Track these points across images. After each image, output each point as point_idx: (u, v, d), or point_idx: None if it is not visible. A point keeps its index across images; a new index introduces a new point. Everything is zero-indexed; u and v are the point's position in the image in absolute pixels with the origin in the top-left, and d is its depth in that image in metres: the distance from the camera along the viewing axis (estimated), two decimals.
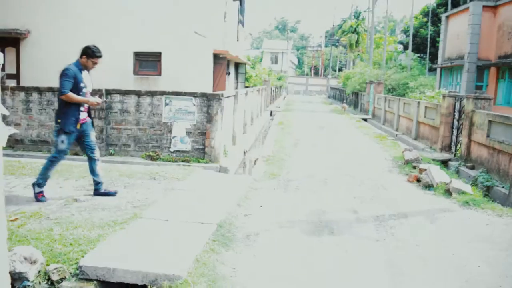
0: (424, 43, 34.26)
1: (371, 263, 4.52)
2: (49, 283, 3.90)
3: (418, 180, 8.38)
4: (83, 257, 4.04)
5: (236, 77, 22.97)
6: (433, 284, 4.09)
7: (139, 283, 3.77)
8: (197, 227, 4.93)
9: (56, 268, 3.98)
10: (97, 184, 6.11)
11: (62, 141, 5.69)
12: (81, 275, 3.89)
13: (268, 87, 27.79)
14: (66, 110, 5.63)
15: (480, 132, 10.08)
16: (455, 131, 12.08)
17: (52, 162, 5.82)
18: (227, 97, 10.42)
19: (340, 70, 72.50)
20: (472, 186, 8.62)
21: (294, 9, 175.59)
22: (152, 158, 9.16)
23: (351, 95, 34.44)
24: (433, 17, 33.63)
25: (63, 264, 4.04)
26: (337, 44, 69.20)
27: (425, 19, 35.35)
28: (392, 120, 19.28)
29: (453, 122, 12.24)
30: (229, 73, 18.85)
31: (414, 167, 9.48)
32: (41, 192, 5.81)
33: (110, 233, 4.64)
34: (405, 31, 40.72)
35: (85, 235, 4.58)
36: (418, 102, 15.39)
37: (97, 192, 6.12)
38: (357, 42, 46.37)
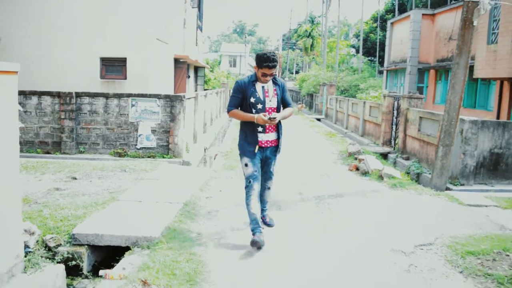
0: (374, 47, 36.28)
1: (308, 228, 5.63)
2: (47, 250, 4.77)
3: (357, 169, 9.64)
4: (73, 229, 4.94)
5: (196, 80, 23.86)
6: (351, 234, 5.24)
7: (123, 245, 4.72)
8: (166, 206, 5.90)
9: (52, 237, 4.86)
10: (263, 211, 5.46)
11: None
12: (74, 241, 4.79)
13: (226, 90, 28.77)
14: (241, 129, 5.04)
15: (413, 127, 11.50)
16: (394, 127, 13.51)
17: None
18: (188, 98, 11.37)
19: (297, 72, 74.36)
20: (406, 174, 9.98)
21: (252, 12, 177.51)
22: (120, 155, 10.01)
23: (307, 96, 35.97)
24: (382, 22, 35.68)
25: (57, 235, 4.93)
26: (294, 47, 71.04)
27: (375, 24, 37.41)
28: (343, 119, 20.73)
29: (392, 120, 13.68)
30: (189, 76, 19.73)
31: (356, 159, 10.75)
32: None
33: (93, 211, 5.54)
34: (357, 36, 42.78)
35: (72, 214, 5.46)
36: (364, 102, 16.83)
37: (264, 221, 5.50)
38: (312, 46, 48.14)
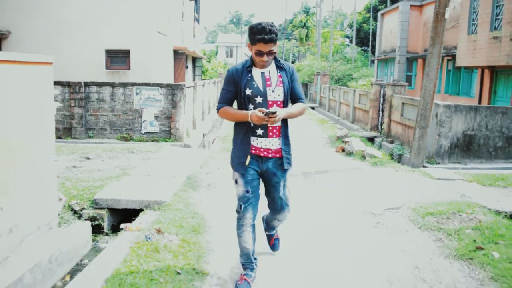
0: (367, 37, 37.08)
1: (293, 198, 6.54)
2: (73, 212, 5.67)
3: (343, 150, 10.55)
4: (94, 196, 5.83)
5: (194, 71, 24.67)
6: (331, 201, 6.15)
7: (137, 207, 5.61)
8: (172, 179, 6.79)
9: (76, 202, 5.76)
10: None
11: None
12: (95, 205, 5.68)
13: (223, 80, 29.53)
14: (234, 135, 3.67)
15: (397, 113, 12.40)
16: (380, 113, 14.41)
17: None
18: (188, 87, 12.22)
19: (293, 62, 75.07)
20: (390, 155, 10.90)
21: (248, 3, 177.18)
22: (126, 139, 10.88)
23: (301, 86, 36.82)
24: (375, 13, 36.40)
25: (81, 201, 5.83)
26: (290, 37, 71.72)
27: (368, 15, 38.16)
28: (335, 107, 21.62)
29: (379, 106, 14.57)
30: (187, 67, 20.54)
31: (343, 142, 11.66)
32: None
33: (109, 183, 6.43)
34: (351, 26, 43.58)
35: (91, 185, 6.35)
36: (354, 91, 17.72)
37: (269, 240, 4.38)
38: (307, 36, 48.93)
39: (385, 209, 6.07)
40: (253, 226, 3.73)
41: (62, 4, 13.46)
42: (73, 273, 4.46)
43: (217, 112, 3.56)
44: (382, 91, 14.35)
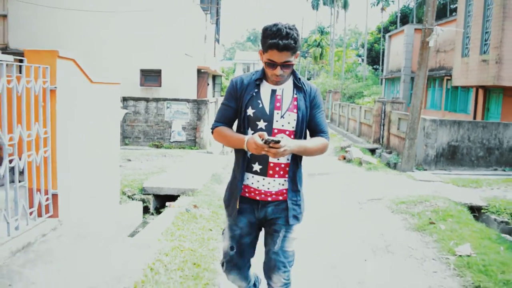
0: (378, 57, 38.74)
1: None
2: (126, 196, 7.40)
3: (344, 158, 12.16)
4: (142, 184, 7.56)
5: (214, 87, 26.60)
6: (328, 194, 7.77)
7: (175, 194, 7.31)
8: (200, 175, 8.51)
9: (128, 189, 7.50)
10: None
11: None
12: (143, 192, 7.41)
13: None
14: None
15: (394, 127, 13.99)
16: (382, 127, 16.00)
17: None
18: (211, 102, 14.01)
19: (308, 79, 76.96)
20: (385, 163, 12.47)
21: (265, 21, 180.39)
22: (157, 147, 12.67)
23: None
24: (385, 33, 38.11)
25: (131, 188, 7.56)
26: (306, 55, 73.77)
27: (379, 35, 39.87)
28: (344, 122, 23.23)
29: (381, 121, 16.16)
30: (208, 84, 22.43)
31: (345, 151, 13.28)
32: None
33: (151, 177, 8.17)
34: (363, 46, 45.37)
35: (137, 178, 8.09)
36: (360, 107, 19.34)
37: None
38: (321, 55, 50.76)
39: (369, 199, 7.69)
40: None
41: (104, 29, 15.42)
42: (132, 235, 6.16)
43: (211, 132, 2.69)
44: (383, 107, 15.95)
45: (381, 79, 30.96)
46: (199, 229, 5.41)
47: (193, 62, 16.46)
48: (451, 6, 33.17)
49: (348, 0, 42.51)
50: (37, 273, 3.52)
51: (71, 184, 4.69)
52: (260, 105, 2.53)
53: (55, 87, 4.35)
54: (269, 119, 2.51)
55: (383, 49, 37.26)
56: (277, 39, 2.36)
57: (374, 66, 39.78)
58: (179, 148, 12.60)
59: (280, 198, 2.62)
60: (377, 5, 41.47)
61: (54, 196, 4.46)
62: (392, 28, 37.41)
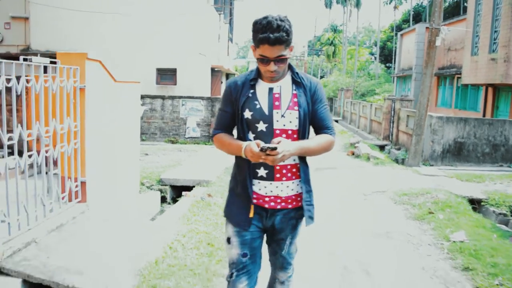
0: (391, 55, 38.85)
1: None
2: (145, 187, 7.91)
3: (353, 154, 12.55)
4: (160, 176, 8.07)
5: None
6: (336, 186, 8.19)
7: (191, 185, 7.80)
8: (214, 167, 8.99)
9: (147, 181, 8.01)
10: None
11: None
12: (161, 183, 7.92)
13: None
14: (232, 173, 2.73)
15: (403, 124, 14.31)
16: (391, 124, 16.32)
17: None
18: None
19: (321, 78, 77.15)
20: (394, 159, 12.82)
21: None
22: (172, 142, 13.20)
23: (327, 100, 38.80)
24: (398, 31, 38.20)
25: (150, 180, 8.07)
26: (319, 53, 73.92)
27: (392, 33, 39.98)
28: (356, 119, 23.55)
29: (390, 118, 16.48)
30: (222, 82, 22.94)
31: (354, 147, 13.66)
32: None
33: (168, 169, 8.68)
34: (376, 44, 45.51)
35: (155, 170, 8.61)
36: (371, 105, 19.66)
37: None
38: (334, 53, 50.93)
39: (373, 191, 8.09)
40: None
41: (121, 30, 15.98)
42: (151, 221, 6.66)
43: (212, 140, 2.64)
44: (393, 105, 16.26)
45: (393, 77, 31.23)
46: (213, 215, 5.89)
47: (207, 61, 16.97)
48: (465, 4, 33.15)
49: None
50: (70, 249, 4.03)
51: (97, 173, 5.20)
52: (258, 106, 2.41)
53: (84, 86, 4.86)
54: (269, 120, 2.40)
55: (396, 47, 37.39)
56: (268, 33, 2.22)
57: (387, 64, 39.93)
58: (194, 144, 13.10)
59: (289, 206, 2.54)
60: (390, 3, 41.54)
61: (83, 183, 4.98)
62: (405, 26, 37.50)
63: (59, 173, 4.64)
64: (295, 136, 2.43)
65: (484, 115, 17.11)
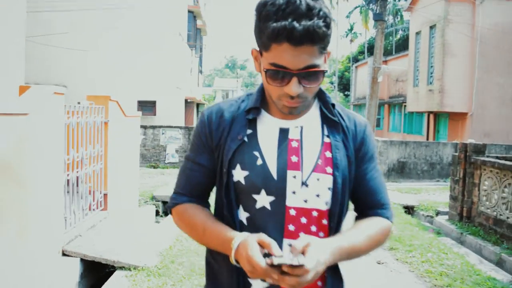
0: (348, 84, 41.73)
1: None
2: (142, 202, 9.44)
3: None
4: (153, 194, 9.64)
5: (197, 115, 28.90)
6: None
7: None
8: None
9: (142, 197, 9.57)
10: None
11: None
12: (154, 199, 9.49)
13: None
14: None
15: None
16: None
17: None
18: None
19: None
20: None
21: (243, 49, 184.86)
22: (154, 167, 14.74)
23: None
24: (355, 62, 41.22)
25: (144, 197, 9.62)
26: None
27: (349, 64, 43.00)
28: None
29: None
30: (193, 112, 24.72)
31: None
32: None
33: (158, 188, 10.25)
34: (334, 74, 48.51)
35: (146, 189, 10.15)
36: None
37: None
38: None
39: None
40: None
41: (106, 66, 17.52)
42: None
43: (169, 212, 1.50)
44: None
45: (350, 105, 33.74)
46: None
47: (182, 93, 18.76)
48: None
49: None
50: (105, 240, 5.61)
51: (114, 187, 6.81)
52: (259, 162, 1.29)
53: (108, 120, 6.51)
54: (279, 190, 1.28)
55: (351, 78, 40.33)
56: (290, 19, 1.12)
57: (345, 93, 42.73)
58: (173, 168, 14.66)
59: None
60: (346, 37, 44.70)
61: (105, 195, 6.57)
62: (361, 57, 40.52)
63: (92, 186, 6.24)
64: (323, 221, 1.32)
65: (427, 138, 19.51)
